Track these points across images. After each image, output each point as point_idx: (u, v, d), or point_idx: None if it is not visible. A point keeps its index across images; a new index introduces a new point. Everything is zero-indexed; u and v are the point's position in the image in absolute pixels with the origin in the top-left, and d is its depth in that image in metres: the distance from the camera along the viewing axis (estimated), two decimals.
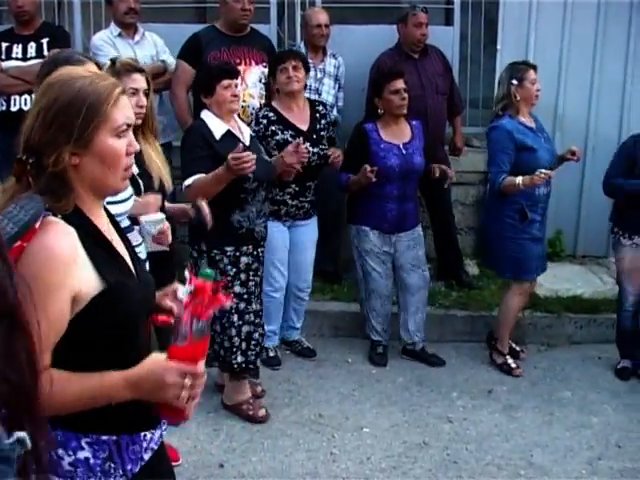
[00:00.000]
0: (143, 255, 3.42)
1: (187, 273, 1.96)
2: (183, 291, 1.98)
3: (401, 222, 5.27)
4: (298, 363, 5.46)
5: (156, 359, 1.90)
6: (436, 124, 5.99)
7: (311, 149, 4.90)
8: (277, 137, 4.95)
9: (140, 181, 3.69)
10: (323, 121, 5.15)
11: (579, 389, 5.22)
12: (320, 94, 5.95)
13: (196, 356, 1.89)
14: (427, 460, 4.34)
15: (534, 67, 5.19)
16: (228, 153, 4.16)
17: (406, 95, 5.11)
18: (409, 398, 5.04)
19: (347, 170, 5.18)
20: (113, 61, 3.71)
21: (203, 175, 4.22)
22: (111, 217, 2.10)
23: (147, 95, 3.70)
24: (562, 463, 4.35)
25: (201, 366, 1.89)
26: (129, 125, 1.94)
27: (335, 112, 6.08)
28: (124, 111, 1.92)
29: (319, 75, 5.97)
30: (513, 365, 5.40)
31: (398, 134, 5.22)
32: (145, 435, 2.07)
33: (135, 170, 3.65)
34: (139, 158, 3.67)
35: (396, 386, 5.19)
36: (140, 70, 3.70)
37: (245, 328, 4.56)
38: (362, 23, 6.52)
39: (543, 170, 4.85)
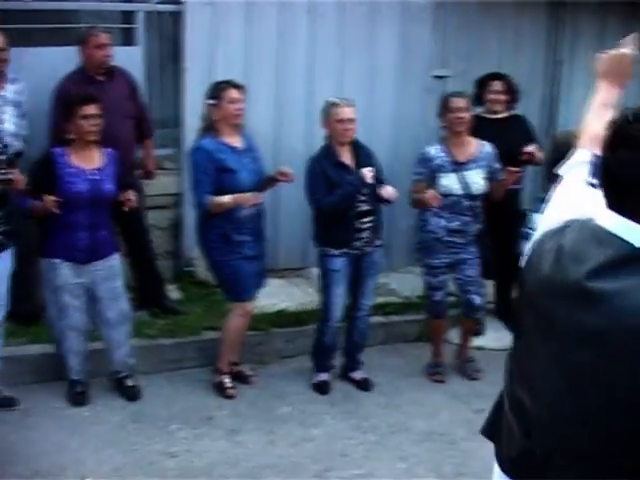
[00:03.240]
0: None
1: None
2: None
3: (94, 251, 5.01)
4: (0, 416, 4.96)
5: None
6: (125, 149, 5.64)
7: None
8: None
9: None
10: None
11: (297, 403, 5.27)
12: (2, 123, 5.46)
13: None
14: None
15: (238, 86, 5.12)
16: None
17: (97, 121, 4.92)
18: (127, 437, 4.79)
19: (32, 195, 4.82)
20: None
21: None
22: None
23: None
24: None
25: None
26: None
27: (20, 142, 5.61)
28: None
29: None
30: (228, 385, 5.34)
31: (89, 160, 4.98)
32: None
33: None
34: None
35: (112, 426, 4.91)
36: None
37: None
38: (43, 45, 6.06)
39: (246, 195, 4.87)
